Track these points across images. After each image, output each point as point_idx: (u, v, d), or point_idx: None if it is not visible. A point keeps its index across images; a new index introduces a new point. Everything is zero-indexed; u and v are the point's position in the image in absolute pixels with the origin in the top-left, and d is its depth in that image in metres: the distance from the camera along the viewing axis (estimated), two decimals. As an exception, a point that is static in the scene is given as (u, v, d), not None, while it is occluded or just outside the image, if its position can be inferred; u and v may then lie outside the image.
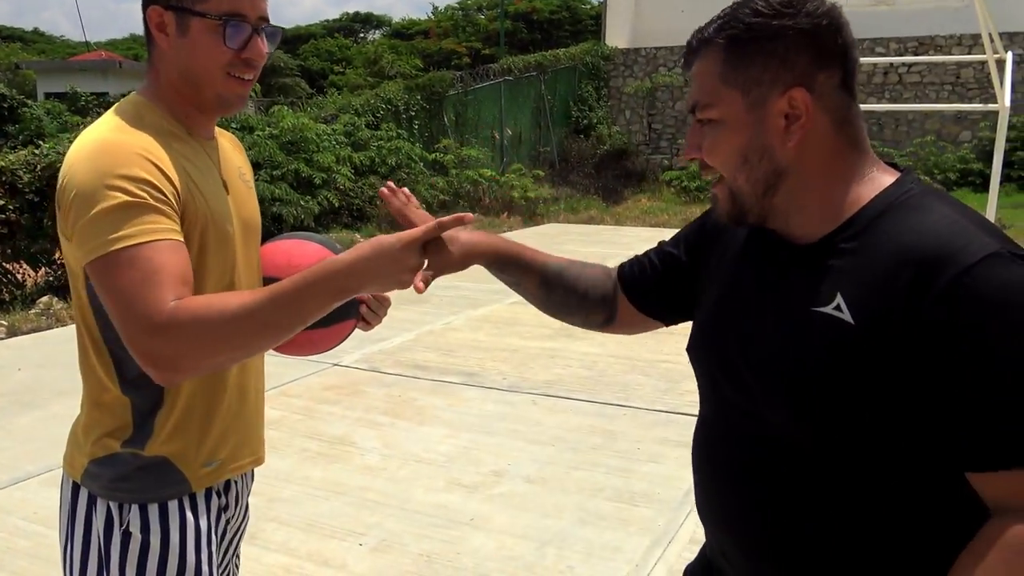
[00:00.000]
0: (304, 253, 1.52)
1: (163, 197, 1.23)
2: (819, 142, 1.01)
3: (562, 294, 1.37)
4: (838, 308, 0.96)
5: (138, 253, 1.17)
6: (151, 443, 1.35)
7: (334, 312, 1.30)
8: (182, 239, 1.24)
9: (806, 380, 0.97)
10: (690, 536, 3.22)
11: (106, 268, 1.17)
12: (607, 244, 11.49)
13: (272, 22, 1.35)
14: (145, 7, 1.31)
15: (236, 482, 1.51)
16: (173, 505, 1.37)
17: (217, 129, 1.51)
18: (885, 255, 0.95)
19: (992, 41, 7.59)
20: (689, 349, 1.22)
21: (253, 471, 1.59)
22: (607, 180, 17.45)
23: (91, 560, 1.35)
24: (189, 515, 1.38)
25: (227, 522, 1.50)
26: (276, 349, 1.50)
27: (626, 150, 18.66)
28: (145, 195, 1.20)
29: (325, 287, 1.17)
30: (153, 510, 1.35)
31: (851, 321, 0.95)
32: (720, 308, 1.15)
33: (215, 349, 1.16)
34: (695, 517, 3.43)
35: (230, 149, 1.52)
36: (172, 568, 1.35)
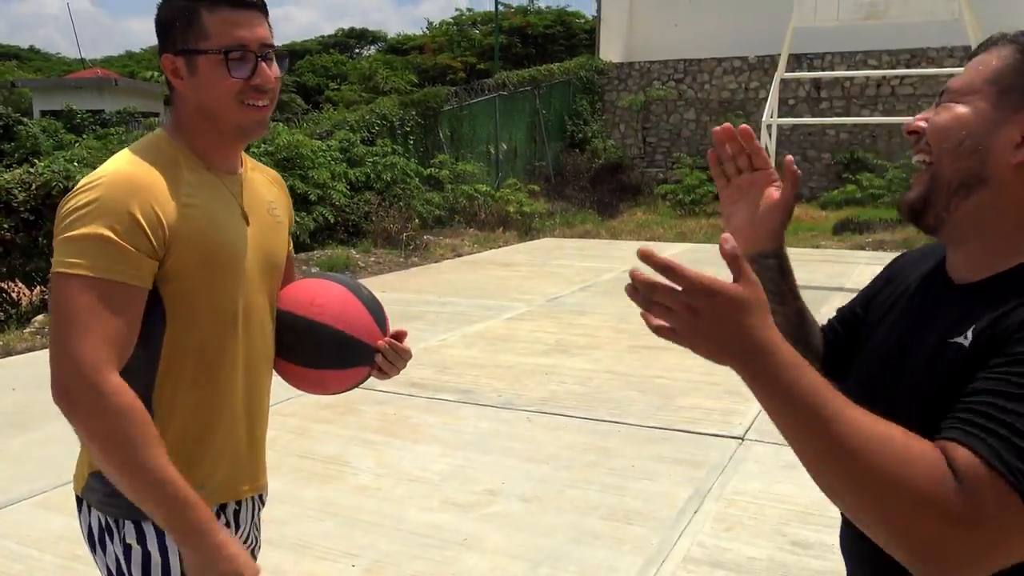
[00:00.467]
0: (328, 294, 1.57)
1: (143, 235, 1.28)
2: None
3: (806, 335, 1.34)
4: (965, 337, 0.99)
5: (89, 284, 1.25)
6: None
7: (349, 358, 1.48)
8: (144, 285, 1.30)
9: (930, 406, 1.00)
10: (684, 555, 3.21)
11: (56, 285, 1.27)
12: (602, 258, 11.50)
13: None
14: (160, 58, 1.40)
15: (239, 502, 1.53)
16: None
17: (255, 164, 1.57)
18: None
19: (982, 54, 7.65)
20: (849, 380, 1.24)
21: (262, 496, 1.61)
22: (602, 194, 17.49)
23: (103, 567, 1.43)
24: None
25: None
26: (283, 378, 1.60)
27: (621, 164, 18.73)
28: (123, 232, 1.27)
29: (179, 521, 1.26)
30: (148, 526, 1.38)
31: (967, 345, 0.98)
32: (880, 340, 1.19)
33: (96, 437, 1.25)
34: (689, 535, 3.43)
35: (263, 184, 1.57)
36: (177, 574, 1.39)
